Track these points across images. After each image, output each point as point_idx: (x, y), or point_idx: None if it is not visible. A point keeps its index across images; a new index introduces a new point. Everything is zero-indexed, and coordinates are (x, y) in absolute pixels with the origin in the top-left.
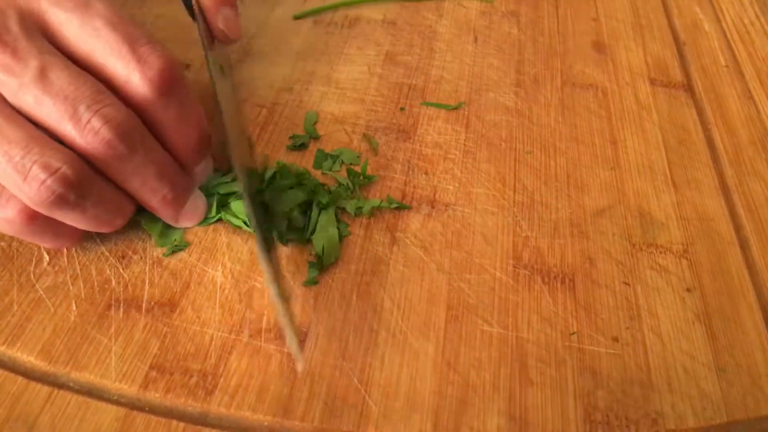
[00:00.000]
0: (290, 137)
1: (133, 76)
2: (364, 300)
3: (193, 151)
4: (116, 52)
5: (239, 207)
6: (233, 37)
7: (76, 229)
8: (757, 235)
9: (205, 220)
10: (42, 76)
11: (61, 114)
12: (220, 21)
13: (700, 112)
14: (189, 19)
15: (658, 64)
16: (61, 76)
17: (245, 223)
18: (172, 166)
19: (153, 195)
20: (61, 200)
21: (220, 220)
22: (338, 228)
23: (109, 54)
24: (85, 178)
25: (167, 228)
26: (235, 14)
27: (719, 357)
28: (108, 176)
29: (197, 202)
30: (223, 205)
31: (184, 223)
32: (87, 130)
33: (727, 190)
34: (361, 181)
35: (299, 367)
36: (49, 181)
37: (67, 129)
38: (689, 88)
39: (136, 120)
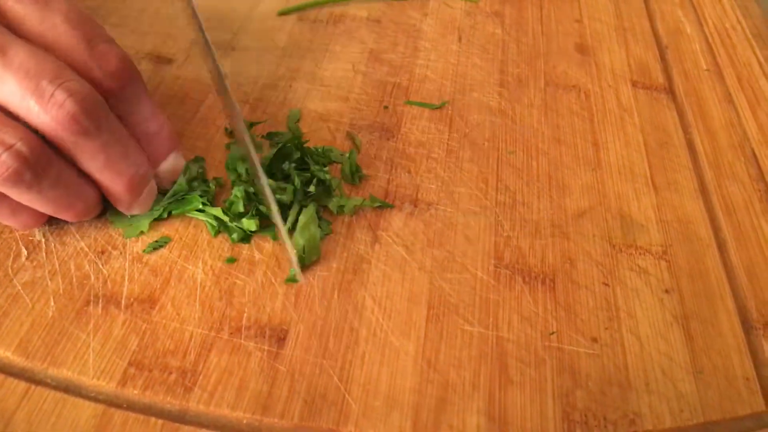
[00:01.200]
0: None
1: (92, 71)
2: (346, 298)
3: (155, 145)
4: (75, 49)
5: (195, 198)
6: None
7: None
8: (735, 237)
9: (149, 214)
10: (1, 53)
11: (23, 90)
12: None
13: (681, 115)
14: (172, 13)
15: (640, 66)
16: (21, 53)
17: (198, 210)
18: (137, 149)
19: (118, 177)
20: (16, 177)
21: (170, 214)
22: (320, 226)
23: (68, 50)
24: (41, 156)
25: (132, 217)
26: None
27: (696, 358)
28: (71, 156)
29: (152, 191)
30: (172, 201)
31: (134, 211)
32: (51, 103)
33: (706, 192)
34: (355, 179)
35: (299, 277)
36: (3, 157)
37: (30, 105)
38: (671, 91)
39: (99, 97)
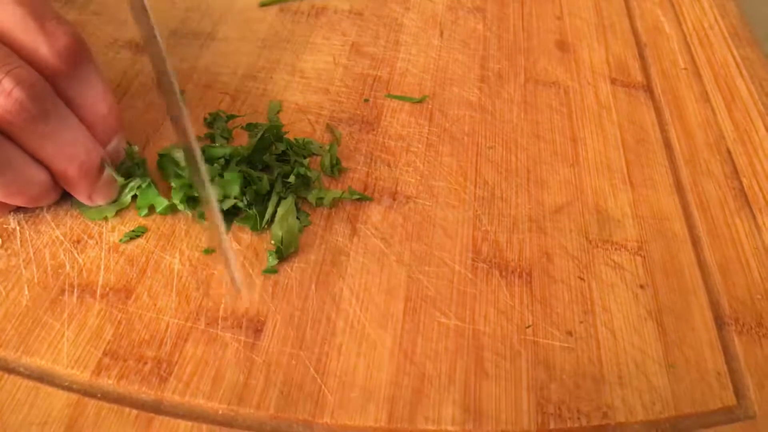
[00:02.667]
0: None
1: (41, 49)
2: (323, 290)
3: (103, 127)
4: (23, 26)
5: (153, 192)
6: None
7: None
8: (710, 234)
9: (117, 202)
10: None
11: None
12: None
13: (659, 113)
14: (151, 3)
15: (619, 64)
16: None
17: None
18: (86, 134)
19: (69, 163)
20: None
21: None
22: (298, 218)
23: (15, 28)
24: None
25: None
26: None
27: (669, 353)
28: (22, 143)
29: (109, 178)
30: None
31: (97, 201)
32: None
33: (681, 189)
34: (334, 172)
35: (245, 297)
36: None
37: None
38: (649, 88)
39: (47, 84)
